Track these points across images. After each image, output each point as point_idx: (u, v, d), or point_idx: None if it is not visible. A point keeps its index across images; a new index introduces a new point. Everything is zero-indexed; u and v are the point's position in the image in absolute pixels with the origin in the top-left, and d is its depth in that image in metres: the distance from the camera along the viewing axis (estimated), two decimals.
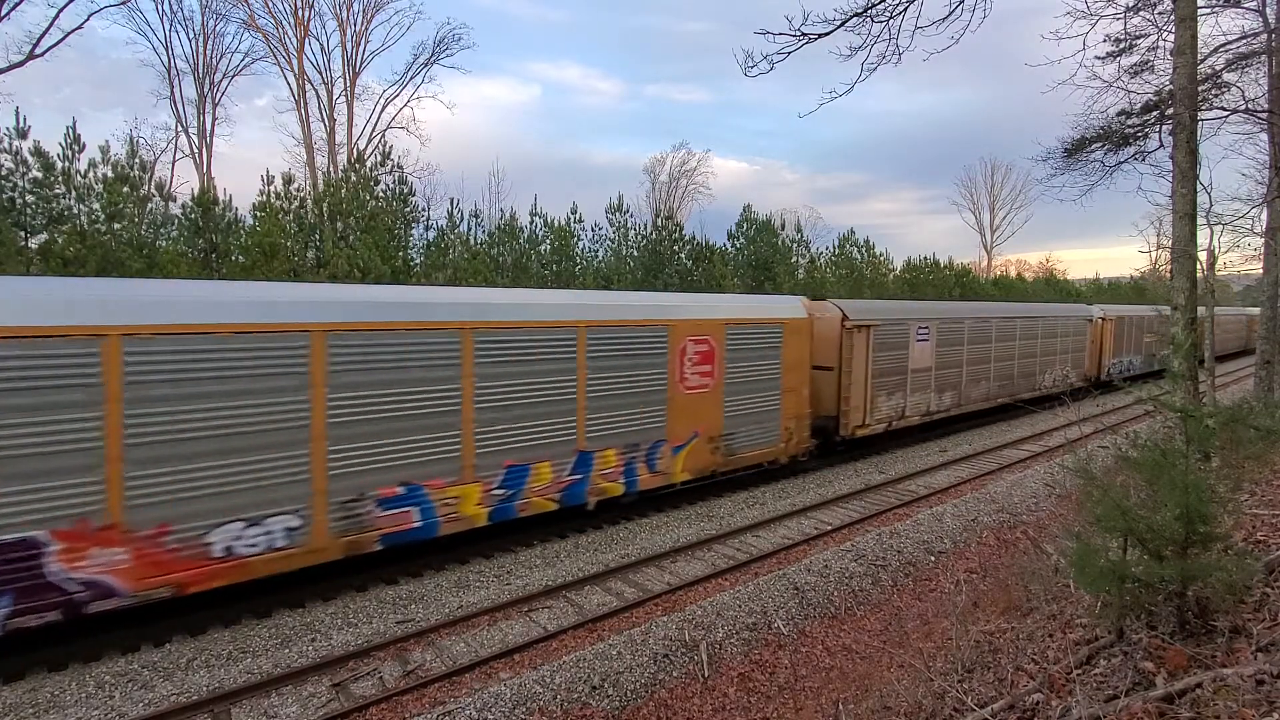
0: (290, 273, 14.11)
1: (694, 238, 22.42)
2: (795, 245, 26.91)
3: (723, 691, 7.05)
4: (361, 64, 33.27)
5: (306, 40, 31.56)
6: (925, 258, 32.76)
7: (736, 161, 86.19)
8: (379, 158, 18.18)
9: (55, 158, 12.51)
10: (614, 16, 79.68)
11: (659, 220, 22.55)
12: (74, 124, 12.60)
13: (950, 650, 5.84)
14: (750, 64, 8.64)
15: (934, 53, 9.03)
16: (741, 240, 24.89)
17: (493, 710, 6.06)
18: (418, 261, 17.20)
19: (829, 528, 11.18)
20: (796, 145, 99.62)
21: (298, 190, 15.67)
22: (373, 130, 33.41)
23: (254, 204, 15.12)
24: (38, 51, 20.85)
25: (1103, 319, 26.31)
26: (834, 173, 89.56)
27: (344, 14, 32.35)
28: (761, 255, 24.38)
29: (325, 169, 31.19)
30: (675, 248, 21.97)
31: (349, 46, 32.75)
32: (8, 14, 19.95)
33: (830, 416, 14.79)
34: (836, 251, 28.96)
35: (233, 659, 7.04)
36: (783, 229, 26.25)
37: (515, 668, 6.94)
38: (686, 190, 45.28)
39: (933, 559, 10.36)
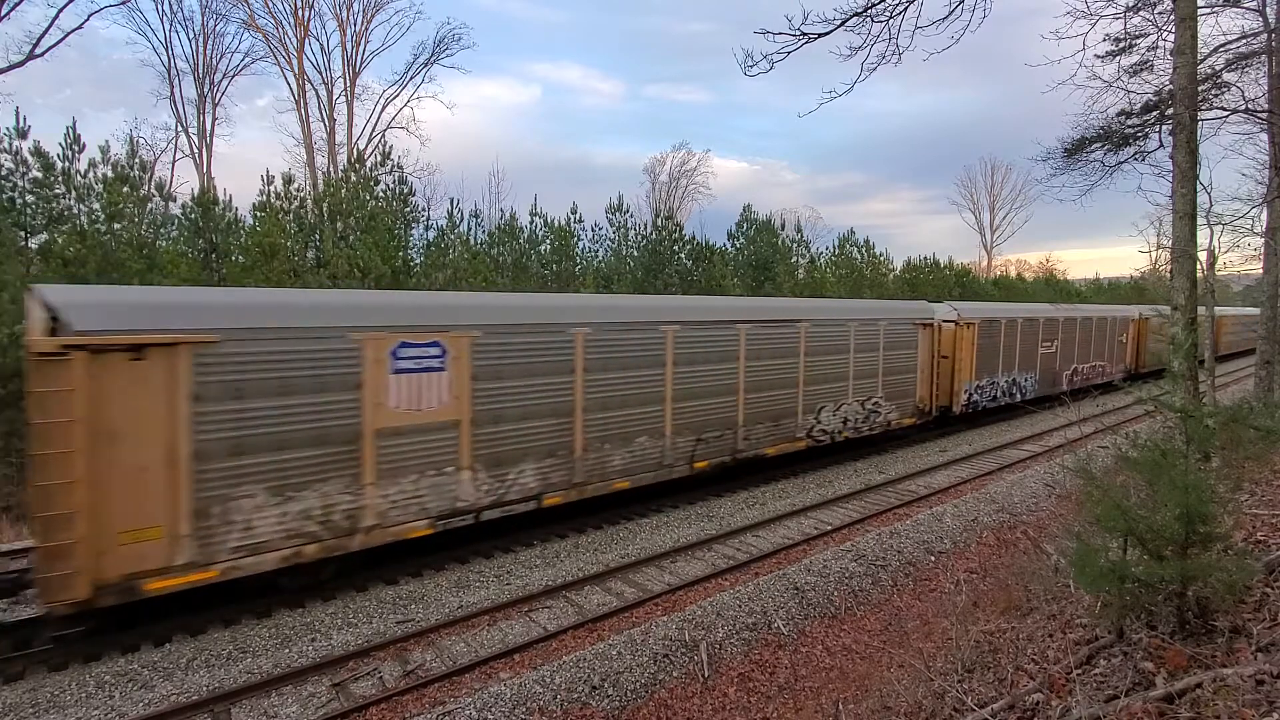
0: (290, 273, 14.12)
1: (694, 238, 22.47)
2: (795, 245, 26.96)
3: (723, 691, 7.05)
4: (361, 64, 33.33)
5: (306, 40, 31.60)
6: (925, 258, 32.84)
7: (737, 161, 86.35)
8: (379, 158, 18.20)
9: (55, 158, 12.53)
10: (614, 18, 79.79)
11: (659, 220, 22.57)
12: (74, 124, 12.64)
13: (950, 650, 5.84)
14: (750, 63, 8.65)
15: (934, 53, 9.05)
16: (741, 240, 24.93)
17: (493, 710, 6.06)
18: (418, 261, 17.23)
19: (829, 528, 11.18)
20: (796, 145, 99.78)
21: (298, 190, 15.70)
22: (373, 130, 33.47)
23: (254, 204, 15.15)
24: (38, 51, 20.87)
25: (956, 323, 18.37)
26: (834, 173, 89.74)
27: (344, 14, 32.39)
28: (761, 255, 24.42)
29: (325, 169, 31.21)
30: (675, 248, 21.99)
31: (349, 46, 32.79)
32: (8, 14, 19.96)
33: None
34: (836, 251, 29.01)
35: (233, 659, 7.04)
36: (783, 229, 26.32)
37: (515, 668, 6.94)
38: (686, 190, 45.43)
39: (933, 559, 10.36)
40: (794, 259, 26.56)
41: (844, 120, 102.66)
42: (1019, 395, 21.15)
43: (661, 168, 45.75)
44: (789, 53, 8.55)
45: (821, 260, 28.43)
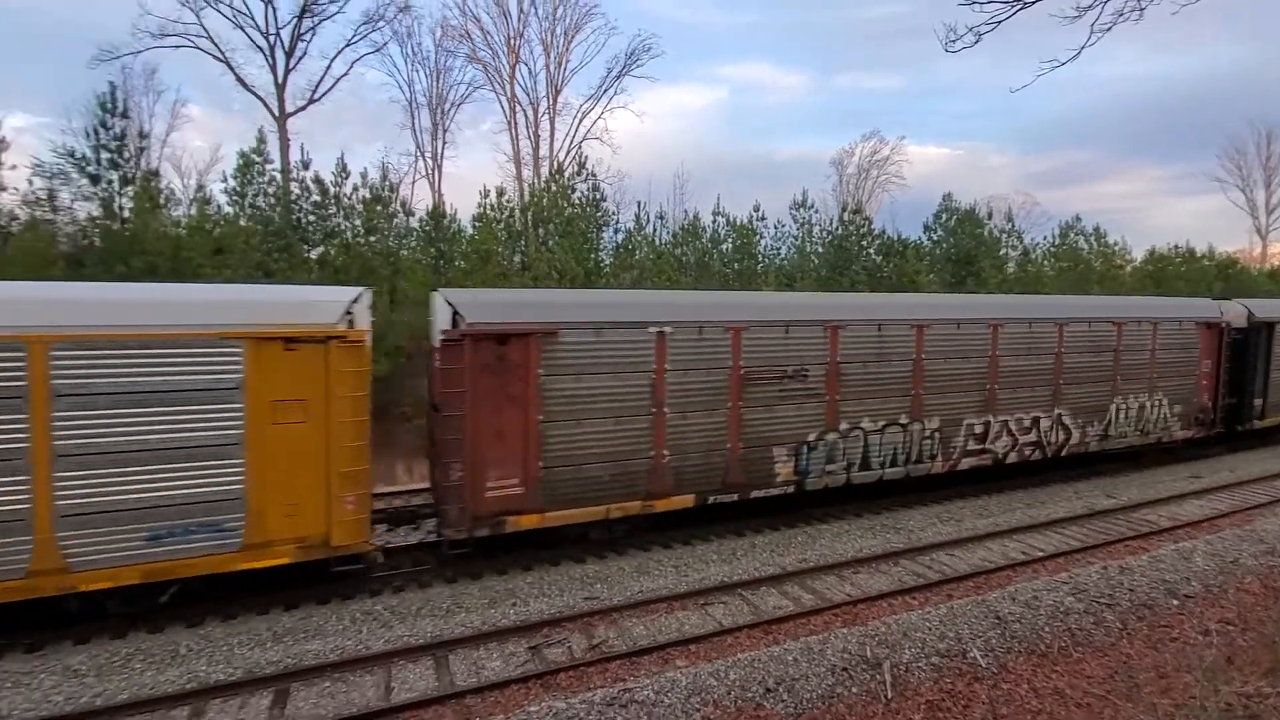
0: (500, 275, 15.82)
1: (884, 231, 21.21)
2: (1005, 236, 24.24)
3: (908, 716, 6.67)
4: (563, 82, 36.00)
5: (517, 66, 34.90)
6: (1175, 246, 27.67)
7: (935, 148, 78.75)
8: (575, 168, 19.63)
9: (329, 184, 15.31)
10: (800, 12, 77.12)
11: (845, 214, 21.62)
12: (342, 155, 15.39)
13: (1193, 711, 4.98)
14: (952, 38, 7.96)
15: (1187, 3, 7.54)
16: (940, 232, 23.01)
17: (669, 695, 6.33)
18: (607, 263, 18.33)
19: (1039, 554, 9.99)
20: (1005, 125, 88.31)
21: (508, 202, 17.52)
22: (571, 143, 36.03)
23: (473, 215, 17.22)
24: (316, 96, 25.54)
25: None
26: (1052, 152, 78.05)
27: (549, 38, 35.24)
28: (963, 248, 22.31)
29: (530, 181, 34.31)
30: (863, 243, 20.94)
31: (552, 68, 35.61)
32: (295, 66, 24.68)
33: None
34: (1057, 241, 25.54)
35: (450, 613, 8.16)
36: (989, 218, 23.79)
37: (691, 657, 7.18)
38: (878, 181, 42.74)
39: (1176, 603, 8.81)
40: (1003, 251, 23.90)
41: (1063, 91, 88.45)
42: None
43: (849, 159, 43.53)
44: (999, 22, 7.73)
45: (1038, 252, 25.23)
